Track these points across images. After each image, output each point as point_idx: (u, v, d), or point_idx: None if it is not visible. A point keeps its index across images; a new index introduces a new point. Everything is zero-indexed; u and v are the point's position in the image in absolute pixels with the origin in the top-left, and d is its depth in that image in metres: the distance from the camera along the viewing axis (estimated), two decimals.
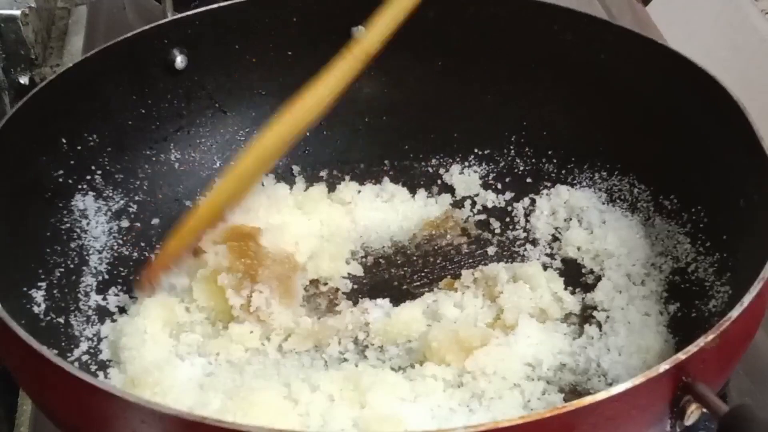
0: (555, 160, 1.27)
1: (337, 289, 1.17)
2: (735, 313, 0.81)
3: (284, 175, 1.29)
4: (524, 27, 1.26)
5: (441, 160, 1.31)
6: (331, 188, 1.28)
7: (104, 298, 1.12)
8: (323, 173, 1.31)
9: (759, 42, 1.40)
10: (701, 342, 0.79)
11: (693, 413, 0.79)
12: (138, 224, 1.20)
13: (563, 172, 1.26)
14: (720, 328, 0.80)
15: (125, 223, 1.19)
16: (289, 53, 1.29)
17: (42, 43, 1.57)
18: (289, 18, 1.27)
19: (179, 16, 1.23)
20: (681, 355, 0.78)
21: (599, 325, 1.09)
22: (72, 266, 1.11)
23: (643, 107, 1.19)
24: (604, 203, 1.23)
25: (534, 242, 1.22)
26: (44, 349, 0.82)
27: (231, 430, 0.74)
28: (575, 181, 1.25)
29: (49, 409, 0.90)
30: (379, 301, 1.14)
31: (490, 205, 1.27)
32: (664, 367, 0.77)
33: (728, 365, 0.86)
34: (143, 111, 1.23)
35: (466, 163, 1.30)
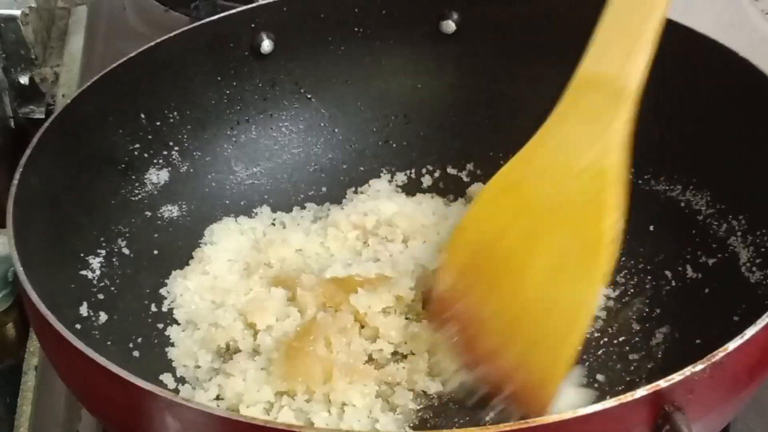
0: None
1: None
2: (732, 345, 0.76)
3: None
4: None
5: None
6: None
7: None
8: None
9: (759, 42, 1.32)
10: (687, 371, 0.74)
11: None
12: None
13: None
14: (712, 359, 0.75)
15: None
16: (377, 44, 1.29)
17: (42, 43, 1.59)
18: (378, 9, 1.27)
19: (268, 0, 1.25)
20: (662, 383, 0.74)
21: None
22: (137, 237, 1.15)
23: None
24: None
25: None
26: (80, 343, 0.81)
27: (261, 427, 0.73)
28: None
29: (91, 405, 0.93)
30: None
31: None
32: (641, 393, 0.73)
33: (727, 402, 0.81)
34: (227, 92, 1.25)
35: None
